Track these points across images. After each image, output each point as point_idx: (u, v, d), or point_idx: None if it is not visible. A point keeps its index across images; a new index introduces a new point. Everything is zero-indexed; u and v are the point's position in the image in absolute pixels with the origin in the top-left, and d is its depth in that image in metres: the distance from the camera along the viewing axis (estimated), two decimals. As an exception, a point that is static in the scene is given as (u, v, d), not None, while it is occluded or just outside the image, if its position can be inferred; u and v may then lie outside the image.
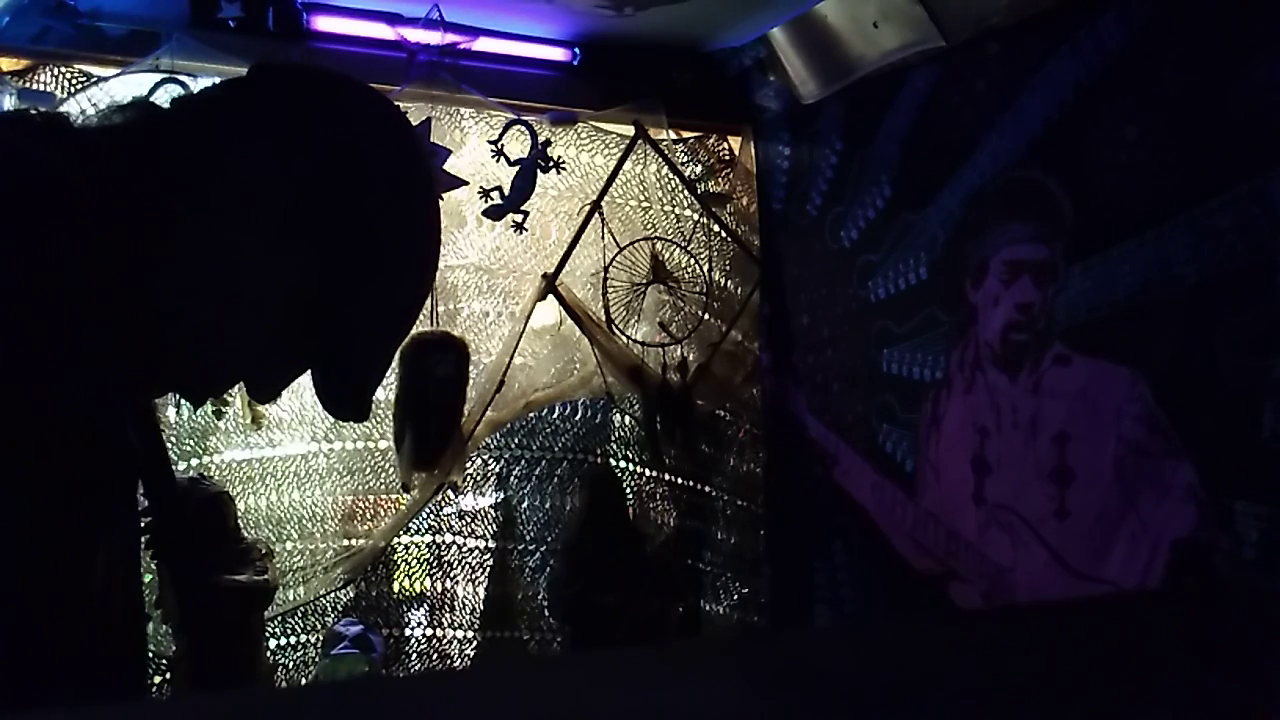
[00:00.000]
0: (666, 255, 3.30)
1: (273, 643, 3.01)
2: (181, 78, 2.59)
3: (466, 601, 3.27)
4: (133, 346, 0.78)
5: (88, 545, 0.76)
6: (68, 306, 0.72)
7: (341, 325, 0.89)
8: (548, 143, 2.93)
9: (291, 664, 3.06)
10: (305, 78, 0.94)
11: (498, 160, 2.92)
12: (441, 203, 2.59)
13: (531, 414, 3.25)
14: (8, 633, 0.68)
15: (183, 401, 2.57)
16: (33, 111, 0.92)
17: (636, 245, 3.22)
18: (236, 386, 1.00)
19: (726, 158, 3.45)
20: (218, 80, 0.98)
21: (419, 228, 0.94)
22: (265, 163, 0.84)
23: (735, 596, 3.49)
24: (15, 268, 0.70)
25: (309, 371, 0.94)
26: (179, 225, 0.81)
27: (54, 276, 0.72)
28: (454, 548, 3.25)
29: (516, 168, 2.92)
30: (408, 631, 3.21)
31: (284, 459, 3.05)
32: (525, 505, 3.31)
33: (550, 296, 3.10)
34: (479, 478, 3.28)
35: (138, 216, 0.79)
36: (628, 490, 3.36)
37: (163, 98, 2.55)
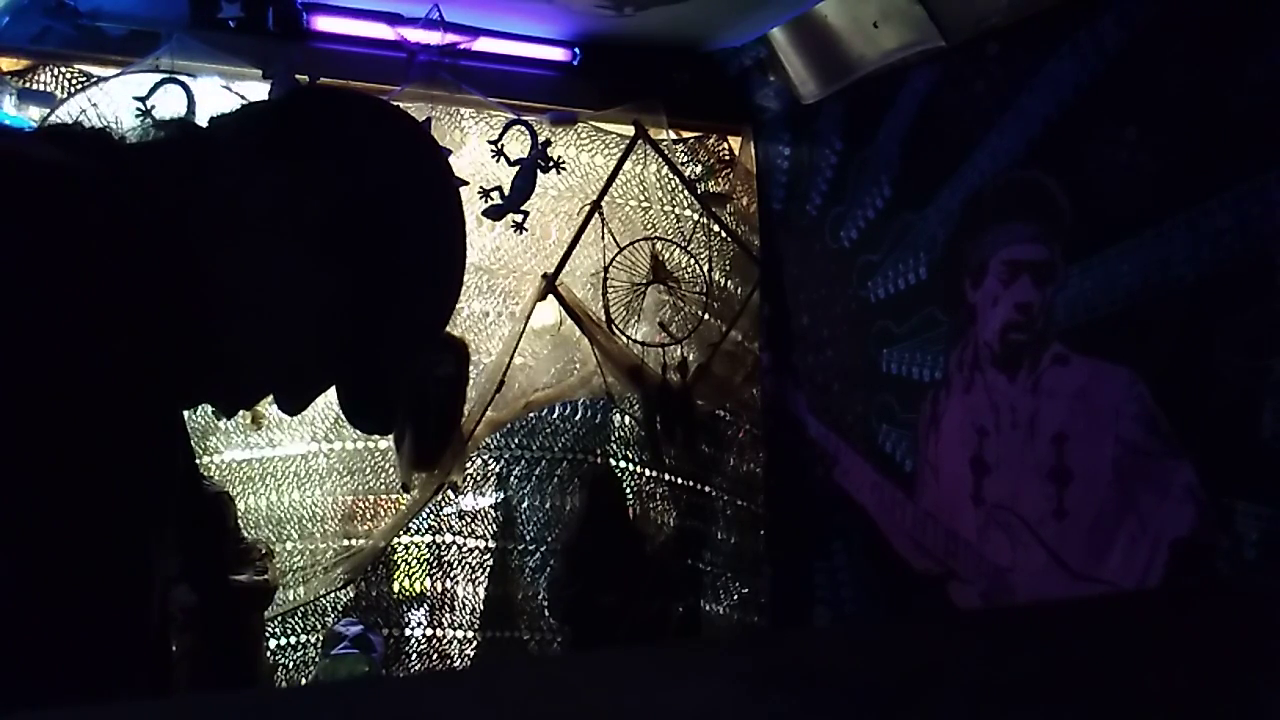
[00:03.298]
0: (666, 255, 3.30)
1: (273, 643, 3.01)
2: (181, 78, 2.59)
3: (466, 601, 3.27)
4: (173, 359, 0.80)
5: (136, 552, 0.77)
6: (115, 319, 0.73)
7: (371, 341, 0.92)
8: (548, 143, 2.93)
9: (291, 664, 3.06)
10: (339, 100, 0.99)
11: (498, 160, 2.92)
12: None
13: (531, 414, 3.25)
14: (60, 633, 0.70)
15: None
16: (77, 125, 0.95)
17: (636, 245, 3.22)
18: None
19: (726, 158, 3.45)
20: (249, 101, 1.01)
21: (447, 248, 0.97)
22: (301, 182, 0.87)
23: (735, 596, 3.49)
24: (66, 280, 0.71)
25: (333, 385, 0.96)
26: (217, 241, 0.83)
27: (101, 289, 0.73)
28: (454, 548, 3.25)
29: (516, 168, 2.91)
30: (408, 631, 3.21)
31: (284, 459, 3.05)
32: (525, 505, 3.31)
33: (550, 296, 3.10)
34: (479, 478, 3.28)
35: (179, 231, 0.81)
36: (628, 490, 3.36)
37: (163, 97, 2.57)
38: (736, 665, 0.45)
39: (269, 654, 2.96)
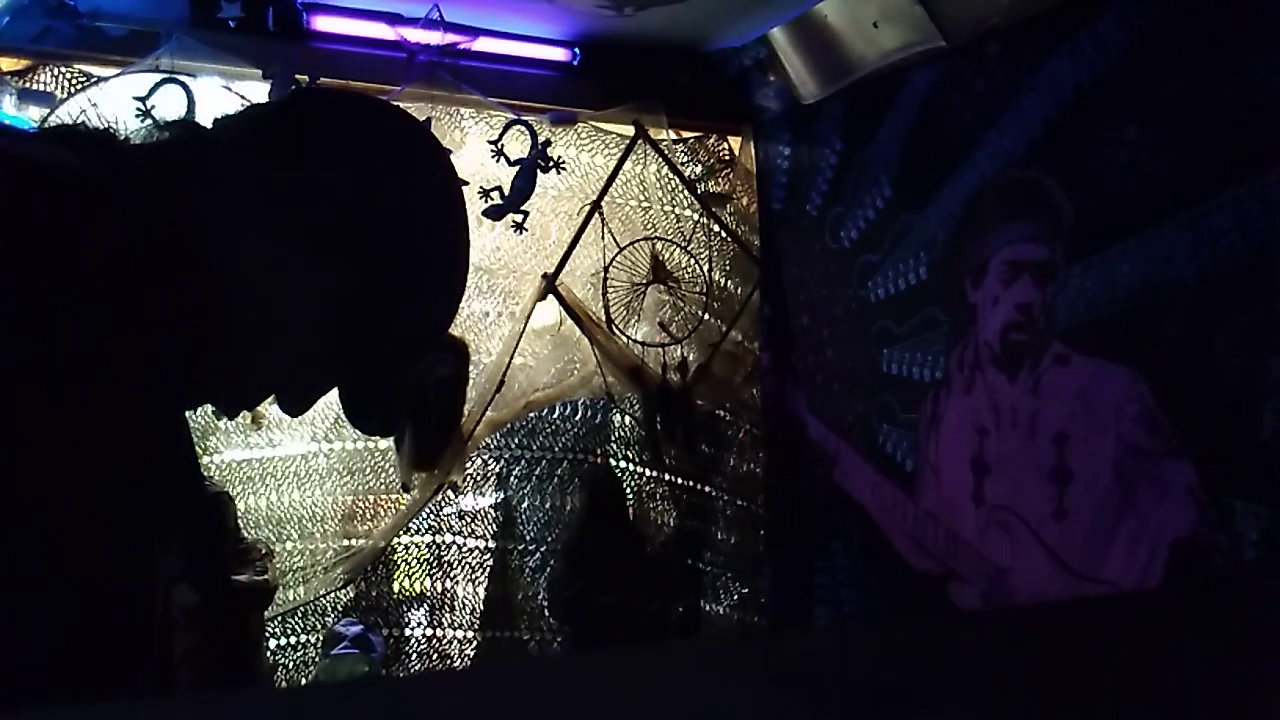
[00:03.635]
0: (666, 255, 3.30)
1: (273, 643, 3.01)
2: (181, 78, 2.60)
3: (466, 601, 3.27)
4: (176, 359, 0.80)
5: (139, 551, 0.77)
6: (118, 319, 0.73)
7: (373, 342, 0.92)
8: (548, 143, 2.93)
9: (291, 664, 3.06)
10: (345, 102, 1.00)
11: (498, 160, 2.92)
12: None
13: (531, 414, 3.25)
14: (62, 632, 0.70)
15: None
16: (79, 126, 0.95)
17: (636, 245, 3.22)
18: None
19: (726, 158, 3.45)
20: (250, 101, 1.01)
21: (450, 249, 0.97)
22: (304, 183, 0.87)
23: (735, 596, 3.49)
24: (70, 280, 0.71)
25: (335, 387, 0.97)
26: (221, 242, 0.84)
27: (105, 289, 0.73)
28: (454, 548, 3.25)
29: (516, 168, 2.92)
30: (408, 631, 3.21)
31: (284, 459, 3.05)
32: (525, 505, 3.31)
33: (550, 296, 3.10)
34: (479, 478, 3.28)
35: (182, 232, 0.81)
36: (628, 490, 3.36)
37: (163, 97, 2.57)
38: (736, 665, 0.45)
39: (269, 654, 2.96)
